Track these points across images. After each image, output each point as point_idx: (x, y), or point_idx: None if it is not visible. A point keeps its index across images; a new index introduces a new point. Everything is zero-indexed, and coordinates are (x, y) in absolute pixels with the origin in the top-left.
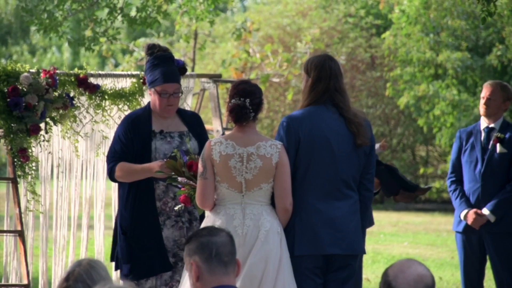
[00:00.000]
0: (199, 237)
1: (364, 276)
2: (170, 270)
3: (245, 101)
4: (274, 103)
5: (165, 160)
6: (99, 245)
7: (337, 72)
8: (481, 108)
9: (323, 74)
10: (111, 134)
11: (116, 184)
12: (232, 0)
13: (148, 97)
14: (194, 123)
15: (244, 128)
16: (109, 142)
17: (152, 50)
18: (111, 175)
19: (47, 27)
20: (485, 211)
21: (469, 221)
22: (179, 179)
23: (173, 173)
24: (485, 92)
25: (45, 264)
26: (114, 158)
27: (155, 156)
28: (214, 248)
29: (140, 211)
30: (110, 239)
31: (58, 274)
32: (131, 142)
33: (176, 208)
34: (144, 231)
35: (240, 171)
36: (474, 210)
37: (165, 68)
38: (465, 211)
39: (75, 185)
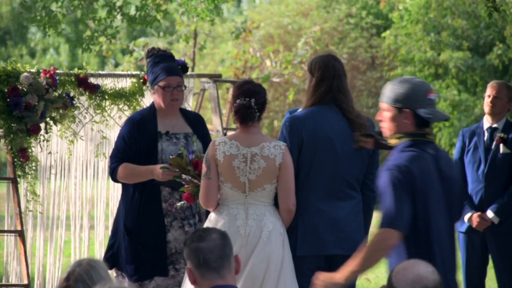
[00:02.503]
0: (190, 242)
1: (364, 276)
2: (166, 275)
3: (250, 101)
4: (275, 103)
5: (170, 157)
6: (99, 245)
7: (340, 72)
8: (486, 107)
9: (327, 74)
10: (111, 134)
11: (120, 184)
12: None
13: (148, 97)
14: (197, 124)
15: (248, 128)
16: (109, 142)
17: (152, 52)
18: (113, 176)
19: (46, 24)
20: (490, 213)
21: (474, 224)
22: (183, 176)
23: (177, 170)
24: (491, 90)
25: (41, 264)
26: (117, 158)
27: (161, 157)
28: (201, 255)
29: (146, 212)
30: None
31: (54, 274)
32: (135, 143)
33: (178, 204)
34: (149, 232)
35: (244, 171)
36: (478, 213)
37: (166, 63)
38: (469, 214)
39: (74, 184)
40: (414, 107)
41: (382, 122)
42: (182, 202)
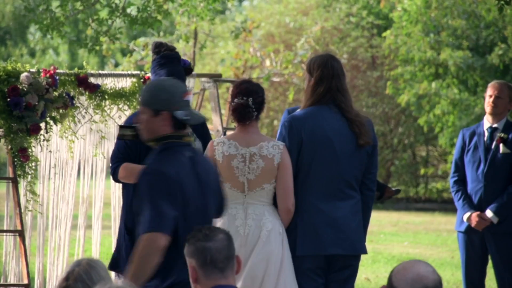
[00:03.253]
0: (195, 241)
1: (364, 276)
2: None
3: (248, 100)
4: (275, 102)
5: None
6: (97, 244)
7: (339, 72)
8: (488, 107)
9: (326, 73)
10: (110, 134)
11: (117, 184)
12: None
13: None
14: (197, 124)
15: (246, 128)
16: (108, 142)
17: (159, 48)
18: (114, 176)
19: (49, 26)
20: (489, 213)
21: (473, 224)
22: None
23: None
24: (492, 90)
25: (41, 263)
26: (118, 158)
27: None
28: (208, 255)
29: None
30: (109, 238)
31: (53, 273)
32: (135, 143)
33: None
34: None
35: (243, 171)
36: (477, 213)
37: (170, 68)
38: (468, 213)
39: (69, 183)
40: (172, 109)
41: (140, 124)
42: None
